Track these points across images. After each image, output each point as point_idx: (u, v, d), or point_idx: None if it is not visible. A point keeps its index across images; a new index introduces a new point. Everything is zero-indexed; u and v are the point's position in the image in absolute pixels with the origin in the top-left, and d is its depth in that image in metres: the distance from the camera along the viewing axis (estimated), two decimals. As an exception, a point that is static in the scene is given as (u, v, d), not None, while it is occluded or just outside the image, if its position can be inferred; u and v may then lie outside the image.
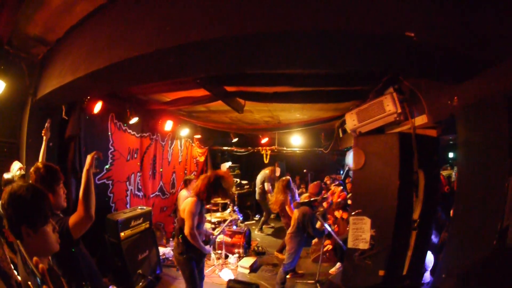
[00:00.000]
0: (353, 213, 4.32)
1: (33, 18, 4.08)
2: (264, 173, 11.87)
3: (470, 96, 3.12)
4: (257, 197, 12.04)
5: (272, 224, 12.10)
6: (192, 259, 4.71)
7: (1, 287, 2.20)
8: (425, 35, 2.41)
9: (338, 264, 7.56)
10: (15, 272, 3.61)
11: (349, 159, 7.63)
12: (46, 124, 4.91)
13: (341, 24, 2.45)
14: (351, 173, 15.46)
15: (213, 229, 8.22)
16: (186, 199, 4.86)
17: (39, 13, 3.99)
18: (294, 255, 6.29)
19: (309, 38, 2.67)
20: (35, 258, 1.42)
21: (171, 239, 9.09)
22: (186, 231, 4.53)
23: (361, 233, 4.20)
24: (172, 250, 5.07)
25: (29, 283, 1.54)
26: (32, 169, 3.15)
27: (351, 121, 4.59)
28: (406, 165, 3.97)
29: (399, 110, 4.01)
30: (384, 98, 4.13)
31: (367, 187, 4.29)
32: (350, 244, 4.32)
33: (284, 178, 7.85)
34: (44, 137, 4.85)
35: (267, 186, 11.49)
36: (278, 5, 2.56)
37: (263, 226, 11.55)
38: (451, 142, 9.03)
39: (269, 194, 11.30)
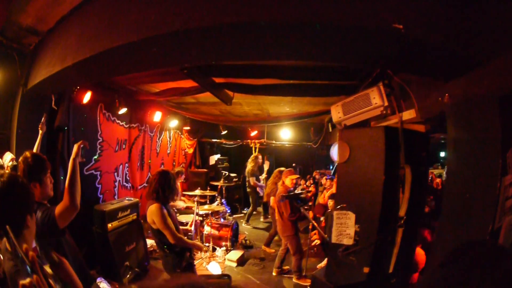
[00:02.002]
0: (337, 207, 4.28)
1: (25, 8, 4.06)
2: (249, 166, 11.78)
3: (460, 93, 3.10)
4: (247, 189, 12.00)
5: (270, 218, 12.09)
6: (188, 268, 4.47)
7: None
8: (414, 29, 2.40)
9: (326, 260, 7.61)
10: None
11: (334, 152, 7.66)
12: (43, 119, 4.97)
13: (329, 16, 2.44)
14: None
15: (201, 221, 8.24)
16: (148, 208, 4.34)
17: (32, 3, 3.97)
18: (297, 240, 6.51)
19: (297, 29, 2.65)
20: (25, 246, 1.38)
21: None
22: (171, 239, 4.18)
23: (345, 228, 4.16)
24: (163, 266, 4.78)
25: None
26: (20, 159, 3.13)
27: (336, 113, 4.51)
28: (392, 160, 3.92)
29: (386, 103, 3.95)
30: (371, 91, 4.07)
31: (351, 181, 4.23)
32: (334, 239, 4.28)
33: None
34: (40, 131, 4.89)
35: (252, 181, 11.44)
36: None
37: (261, 219, 11.70)
38: (442, 141, 9.08)
39: (257, 188, 11.35)
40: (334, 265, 4.41)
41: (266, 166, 12.28)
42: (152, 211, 4.22)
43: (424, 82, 3.71)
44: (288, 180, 6.83)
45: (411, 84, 3.89)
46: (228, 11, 2.62)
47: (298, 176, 7.13)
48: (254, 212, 11.72)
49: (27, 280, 1.31)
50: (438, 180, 11.51)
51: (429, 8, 2.48)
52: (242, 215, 12.79)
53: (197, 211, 7.88)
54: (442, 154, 13.09)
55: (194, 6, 2.74)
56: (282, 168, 7.86)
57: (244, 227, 11.03)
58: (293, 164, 13.88)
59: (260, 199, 11.60)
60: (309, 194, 10.03)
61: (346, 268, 4.14)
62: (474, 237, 2.76)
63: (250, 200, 11.79)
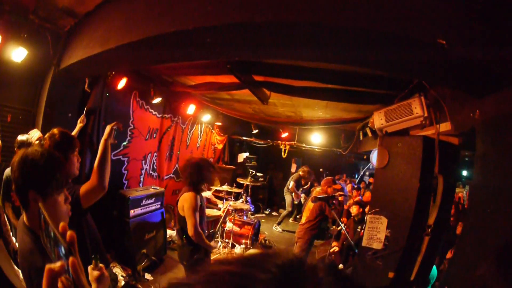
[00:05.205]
0: (370, 212, 4.31)
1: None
2: (297, 174, 11.90)
3: (492, 110, 3.06)
4: (284, 192, 12.16)
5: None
6: (199, 261, 4.40)
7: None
8: (455, 45, 2.38)
9: (341, 266, 7.52)
10: (14, 239, 3.63)
11: (373, 157, 7.57)
12: (82, 116, 5.21)
13: (378, 23, 2.42)
14: (365, 178, 15.37)
15: (224, 217, 8.24)
16: (182, 195, 4.43)
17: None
18: (306, 250, 6.27)
19: (345, 33, 2.62)
20: (62, 224, 1.23)
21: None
22: (190, 230, 4.15)
23: (376, 232, 4.18)
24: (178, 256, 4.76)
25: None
26: (47, 135, 3.14)
27: (378, 120, 4.61)
28: (427, 168, 3.96)
29: (426, 114, 4.04)
30: (413, 101, 4.15)
31: (387, 186, 4.26)
32: (364, 243, 4.30)
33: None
34: (81, 124, 5.11)
35: (291, 184, 11.53)
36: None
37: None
38: (466, 159, 8.81)
39: (294, 194, 11.41)
40: (360, 269, 4.44)
41: (293, 169, 12.23)
42: (185, 198, 4.28)
43: (457, 97, 3.67)
44: (331, 189, 6.75)
45: (445, 98, 3.87)
46: (288, 9, 2.60)
47: (341, 187, 7.06)
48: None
49: (58, 264, 1.10)
50: (460, 194, 11.32)
51: (470, 25, 2.46)
52: (264, 215, 12.79)
53: (226, 205, 7.93)
54: (464, 173, 12.59)
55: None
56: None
57: (271, 228, 11.12)
58: (321, 170, 13.79)
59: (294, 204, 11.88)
60: (341, 198, 9.92)
61: (371, 271, 4.16)
62: (493, 251, 2.70)
63: (286, 202, 11.96)
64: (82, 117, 5.11)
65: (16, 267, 3.17)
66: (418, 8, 2.40)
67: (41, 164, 1.88)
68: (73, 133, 4.72)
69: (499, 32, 2.46)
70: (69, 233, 1.22)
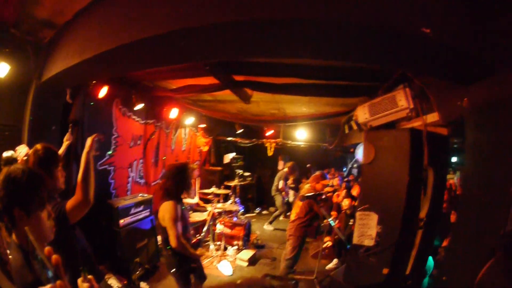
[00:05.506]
0: (360, 208, 4.27)
1: (40, 1, 4.01)
2: (283, 171, 11.88)
3: (479, 98, 3.10)
4: (272, 192, 12.04)
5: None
6: (188, 272, 4.37)
7: None
8: (440, 33, 2.39)
9: (335, 260, 7.58)
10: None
11: (359, 153, 7.58)
12: (68, 134, 5.21)
13: (358, 15, 2.41)
14: (353, 171, 15.44)
15: (214, 220, 8.22)
16: (162, 204, 4.25)
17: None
18: (298, 248, 6.23)
19: (322, 27, 2.62)
20: (47, 248, 1.29)
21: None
22: (173, 242, 4.00)
23: (367, 229, 4.14)
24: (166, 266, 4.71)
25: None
26: (31, 151, 3.10)
27: (362, 114, 4.55)
28: (416, 161, 3.93)
29: (411, 106, 4.00)
30: (397, 93, 4.11)
31: (375, 182, 4.23)
32: (355, 240, 4.26)
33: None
34: (67, 142, 5.09)
35: (281, 184, 11.57)
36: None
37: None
38: (455, 146, 8.92)
39: (283, 192, 11.38)
40: (354, 267, 4.40)
41: (280, 166, 12.23)
42: (165, 208, 4.15)
43: (443, 86, 3.69)
44: (320, 185, 6.72)
45: (430, 87, 3.87)
46: (261, 6, 2.58)
47: (329, 181, 7.01)
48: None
49: (48, 287, 1.24)
50: (451, 181, 11.39)
51: (455, 13, 2.47)
52: (255, 214, 12.78)
53: (213, 208, 7.90)
54: (454, 159, 12.81)
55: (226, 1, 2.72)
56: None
57: (265, 227, 11.14)
58: (308, 165, 13.80)
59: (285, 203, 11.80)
60: (329, 195, 9.92)
61: (365, 269, 4.13)
62: (487, 240, 2.76)
63: (277, 203, 11.91)
64: (68, 135, 5.06)
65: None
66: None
67: (23, 181, 1.87)
68: (60, 151, 4.64)
69: (485, 20, 2.47)
70: (54, 257, 1.27)
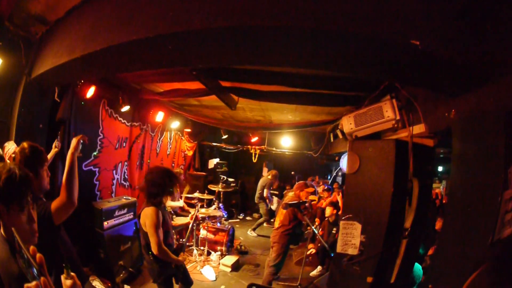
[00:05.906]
0: (343, 218, 4.26)
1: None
2: (266, 178, 11.86)
3: (467, 109, 3.09)
4: (256, 200, 11.99)
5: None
6: (171, 276, 4.41)
7: None
8: (429, 44, 2.39)
9: (319, 267, 7.61)
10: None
11: (343, 162, 7.63)
12: (57, 141, 5.15)
13: (346, 24, 2.40)
14: (338, 178, 15.54)
15: (197, 225, 8.19)
16: (143, 210, 4.22)
17: (43, -10, 3.89)
18: (283, 255, 6.25)
19: (308, 36, 2.61)
20: (32, 247, 1.38)
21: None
22: (154, 248, 3.97)
23: (350, 238, 4.14)
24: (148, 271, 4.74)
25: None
26: (17, 149, 3.09)
27: (348, 124, 4.53)
28: (401, 172, 3.93)
29: (398, 117, 4.00)
30: (384, 104, 4.11)
31: (359, 192, 4.22)
32: (339, 249, 4.25)
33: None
34: (56, 149, 5.03)
35: (265, 192, 11.55)
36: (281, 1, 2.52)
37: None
38: (441, 156, 9.07)
39: (267, 200, 11.40)
40: (337, 275, 4.39)
41: (264, 172, 12.25)
42: (146, 214, 4.10)
43: (430, 97, 3.68)
44: (304, 193, 6.73)
45: (417, 98, 3.87)
46: (252, 13, 2.58)
47: (314, 189, 7.03)
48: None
49: (33, 283, 1.32)
50: (437, 190, 11.54)
51: (445, 24, 2.47)
52: (238, 220, 12.77)
53: (196, 210, 7.86)
54: (440, 168, 13.02)
55: (218, 5, 2.70)
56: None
57: (248, 233, 11.13)
58: (292, 172, 13.87)
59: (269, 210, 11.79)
60: (314, 203, 9.96)
61: (349, 277, 4.12)
62: (474, 248, 2.77)
63: (261, 211, 11.87)
64: (56, 142, 5.01)
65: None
66: (391, 9, 2.39)
67: (2, 179, 1.87)
68: (48, 156, 4.59)
69: (475, 32, 2.51)
70: (38, 255, 1.38)
